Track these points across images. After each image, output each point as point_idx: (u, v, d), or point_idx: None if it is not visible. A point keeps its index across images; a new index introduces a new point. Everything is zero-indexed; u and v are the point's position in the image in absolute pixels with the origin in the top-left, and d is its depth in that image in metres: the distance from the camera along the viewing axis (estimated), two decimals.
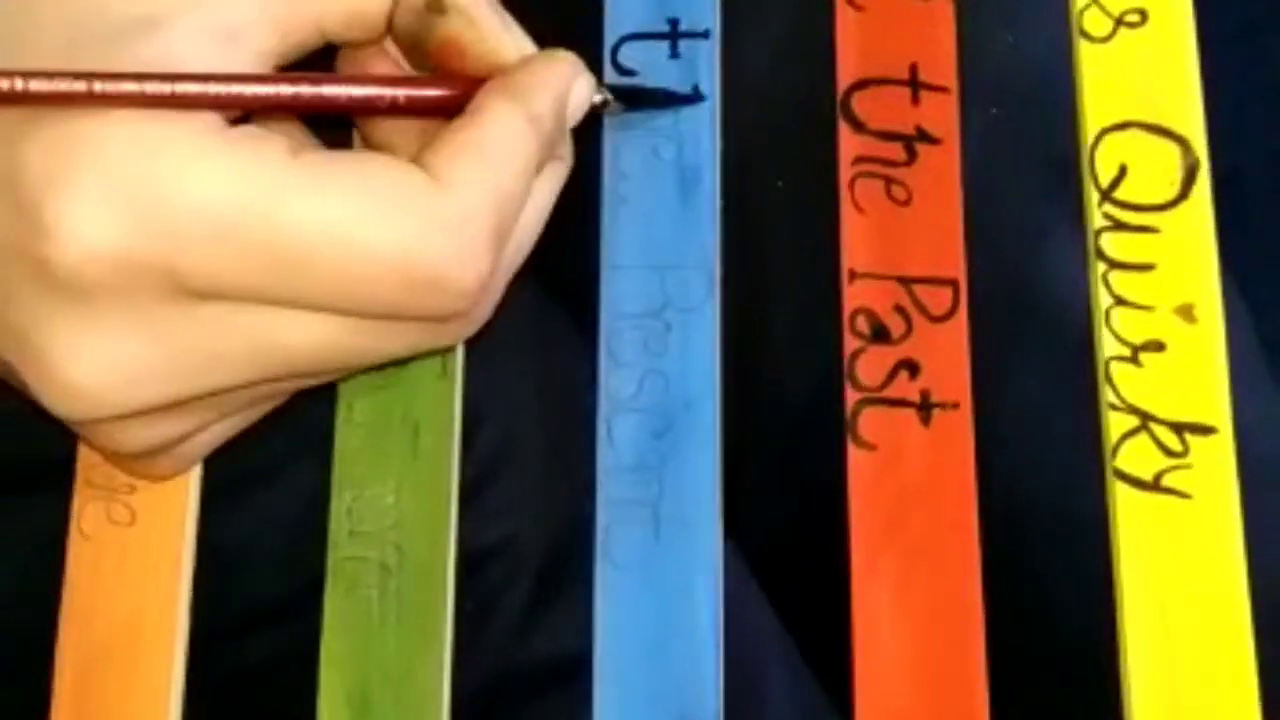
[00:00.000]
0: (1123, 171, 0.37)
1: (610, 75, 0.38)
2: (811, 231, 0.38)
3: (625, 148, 0.37)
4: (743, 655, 0.38)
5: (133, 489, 0.36)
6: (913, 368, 0.36)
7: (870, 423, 0.35)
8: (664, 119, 0.37)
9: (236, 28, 0.30)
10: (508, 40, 0.32)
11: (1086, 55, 0.37)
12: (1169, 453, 0.35)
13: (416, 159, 0.30)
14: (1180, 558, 0.34)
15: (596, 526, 0.35)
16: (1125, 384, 0.35)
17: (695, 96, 0.36)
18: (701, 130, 0.37)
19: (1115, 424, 0.35)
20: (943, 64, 0.37)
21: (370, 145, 0.34)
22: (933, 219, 0.36)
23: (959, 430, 0.35)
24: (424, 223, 0.29)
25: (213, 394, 0.31)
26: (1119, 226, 0.36)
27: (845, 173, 0.37)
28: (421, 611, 0.35)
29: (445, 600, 0.35)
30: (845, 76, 0.37)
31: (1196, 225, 0.36)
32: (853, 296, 0.36)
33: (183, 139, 0.29)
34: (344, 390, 0.36)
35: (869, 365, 0.36)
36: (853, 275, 0.36)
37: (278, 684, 0.37)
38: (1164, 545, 0.34)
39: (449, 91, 0.32)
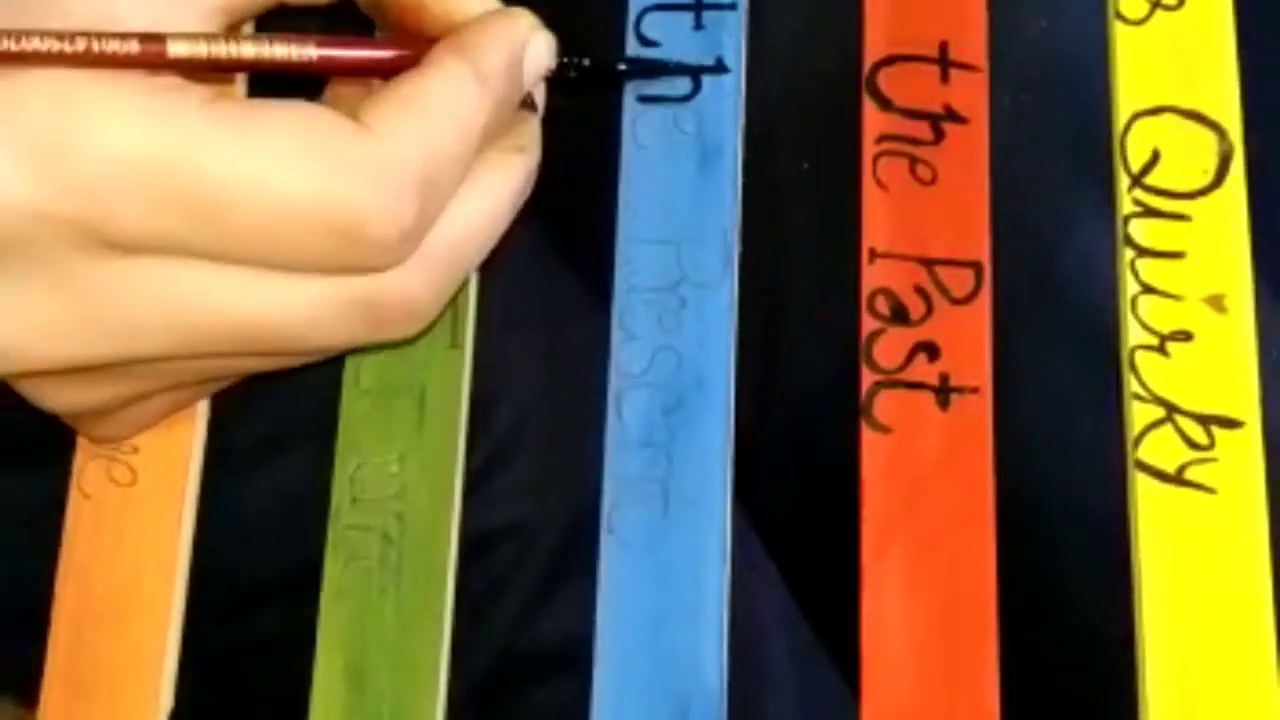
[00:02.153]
0: (1155, 157, 0.36)
1: (633, 47, 0.37)
2: (832, 209, 0.37)
3: (646, 119, 0.36)
4: (756, 636, 0.37)
5: (135, 449, 0.35)
6: (932, 350, 0.35)
7: (886, 405, 0.34)
8: (685, 91, 0.36)
9: None
10: (470, 1, 0.31)
11: (1121, 38, 0.36)
12: (1194, 445, 0.34)
13: (354, 111, 0.30)
14: (1202, 554, 0.33)
15: (603, 502, 0.34)
16: (1151, 374, 0.34)
17: (715, 68, 0.35)
18: (724, 103, 0.36)
19: (1139, 414, 0.34)
20: (973, 42, 0.36)
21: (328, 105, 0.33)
22: (957, 199, 0.36)
23: (977, 416, 0.34)
24: (343, 167, 0.29)
25: (135, 361, 0.31)
26: (1149, 212, 0.35)
27: (869, 150, 0.36)
28: (422, 583, 0.34)
29: (446, 573, 0.34)
30: (873, 52, 0.36)
31: (1229, 214, 0.35)
32: (872, 276, 0.35)
33: (97, 89, 0.28)
34: (351, 357, 0.36)
35: (887, 347, 0.35)
36: (873, 255, 0.35)
37: (274, 655, 0.36)
38: (1186, 540, 0.33)
39: (398, 53, 0.31)
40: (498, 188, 0.31)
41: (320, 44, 0.31)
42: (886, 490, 0.34)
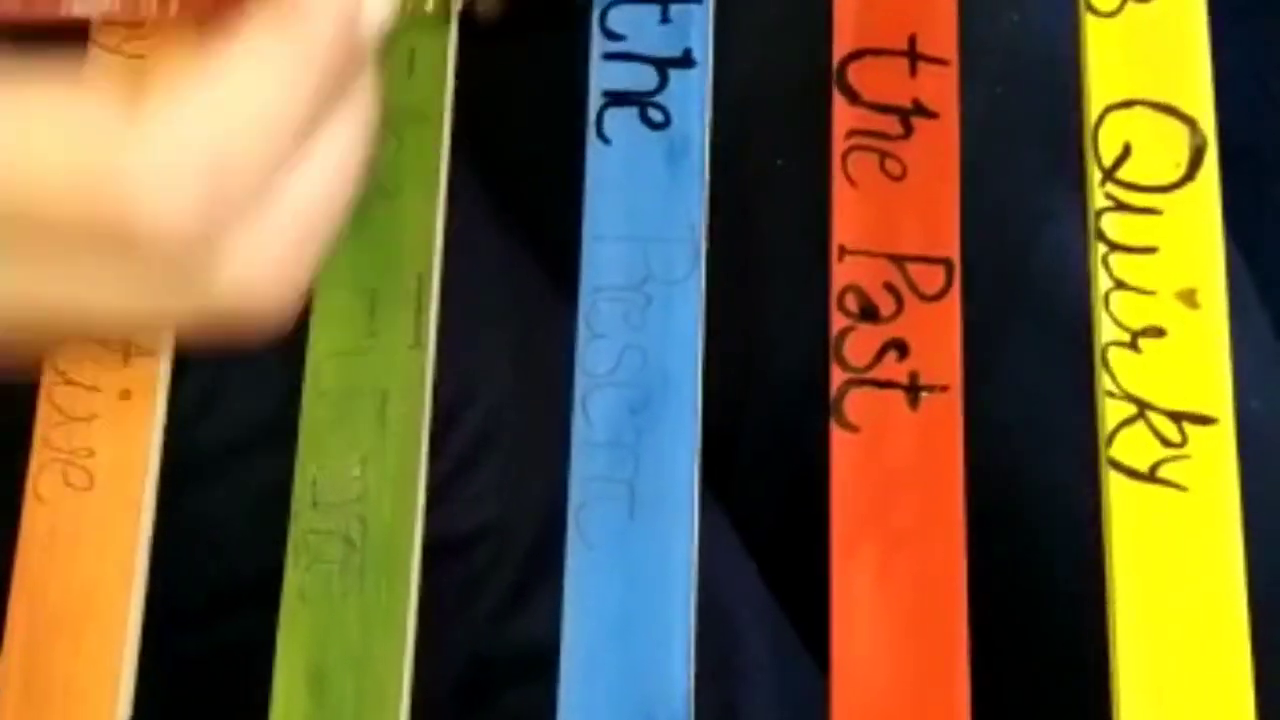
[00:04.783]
0: (1127, 151, 0.35)
1: (599, 40, 0.36)
2: (802, 205, 0.36)
3: (611, 114, 0.36)
4: (734, 634, 0.37)
5: (91, 453, 0.35)
6: (902, 348, 0.34)
7: (856, 404, 0.34)
8: (652, 84, 0.36)
9: None
10: None
11: (1093, 30, 0.36)
12: (1167, 443, 0.33)
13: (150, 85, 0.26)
14: (1176, 552, 0.32)
15: (569, 504, 0.34)
16: (1123, 370, 0.34)
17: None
18: (691, 99, 0.36)
19: (1111, 412, 0.33)
20: (943, 36, 0.36)
21: None
22: (928, 195, 0.35)
23: (948, 414, 0.34)
24: (111, 156, 0.25)
25: None
26: (1121, 207, 0.35)
27: (838, 146, 0.35)
28: (385, 588, 0.34)
29: (410, 577, 0.34)
30: (841, 46, 0.36)
31: (1202, 207, 0.35)
32: (842, 273, 0.35)
33: None
34: (312, 358, 0.35)
35: (857, 344, 0.34)
36: (843, 251, 0.35)
37: (235, 662, 0.36)
38: (1159, 538, 0.33)
39: None
40: (334, 146, 0.27)
41: None
42: (856, 490, 0.33)
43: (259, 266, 0.27)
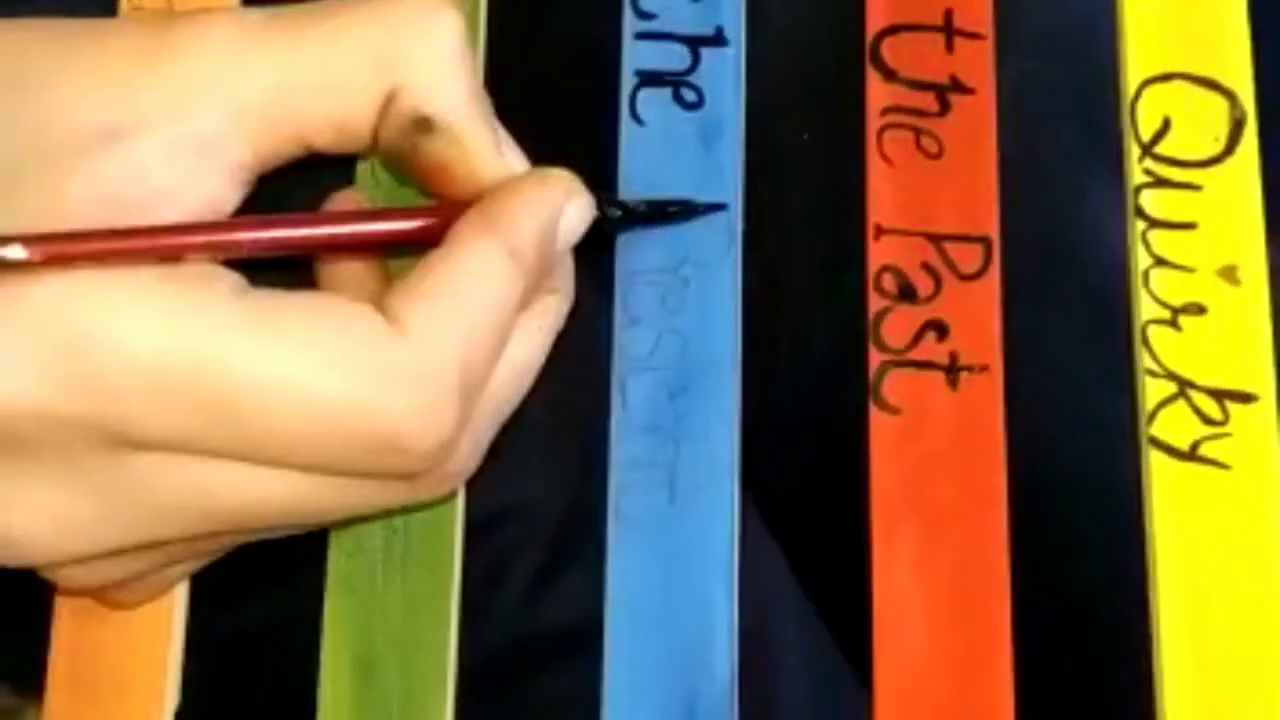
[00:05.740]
0: (1165, 125, 0.35)
1: (630, 20, 0.36)
2: (837, 185, 0.36)
3: (645, 95, 0.36)
4: (760, 622, 0.37)
5: None
6: (941, 329, 0.34)
7: (895, 385, 0.34)
8: (685, 64, 0.36)
9: (207, 140, 0.28)
10: (498, 163, 0.30)
11: (1130, 2, 0.35)
12: (1208, 421, 0.33)
13: (381, 299, 0.28)
14: (1218, 531, 0.32)
15: (609, 489, 0.34)
16: (1163, 348, 0.34)
17: (717, 206, 0.34)
18: (725, 77, 0.36)
19: (1152, 390, 0.33)
20: (979, 10, 0.36)
21: (330, 283, 0.31)
22: (965, 173, 0.35)
23: (988, 395, 0.34)
24: (379, 376, 0.27)
25: (156, 545, 0.29)
26: (1160, 183, 0.35)
27: (873, 123, 0.35)
28: (428, 573, 0.34)
29: (453, 562, 0.34)
30: (875, 21, 0.36)
31: (1242, 183, 0.34)
32: (879, 253, 0.35)
33: (115, 282, 0.27)
34: None
35: (895, 325, 0.34)
36: (879, 231, 0.35)
37: (280, 647, 0.36)
38: (1201, 517, 0.33)
39: (424, 223, 0.29)
40: (534, 337, 0.30)
41: (340, 221, 0.30)
42: (895, 472, 0.33)
43: (474, 454, 0.30)
